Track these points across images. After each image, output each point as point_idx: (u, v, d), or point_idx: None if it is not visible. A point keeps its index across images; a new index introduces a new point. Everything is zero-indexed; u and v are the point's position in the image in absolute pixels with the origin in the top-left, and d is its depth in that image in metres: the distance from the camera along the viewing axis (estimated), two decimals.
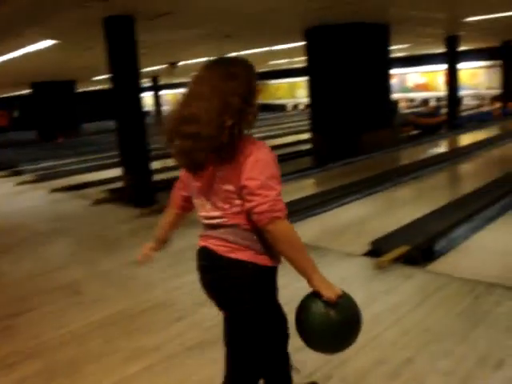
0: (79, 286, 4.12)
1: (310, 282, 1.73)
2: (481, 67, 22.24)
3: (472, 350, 2.77)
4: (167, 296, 3.78)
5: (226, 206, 1.72)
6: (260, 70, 27.73)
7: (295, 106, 28.88)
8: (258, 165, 1.66)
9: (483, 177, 7.10)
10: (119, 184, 7.81)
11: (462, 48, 17.43)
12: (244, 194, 1.64)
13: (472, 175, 8.28)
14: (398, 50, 17.83)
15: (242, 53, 15.46)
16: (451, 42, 15.33)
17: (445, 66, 16.26)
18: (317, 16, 9.14)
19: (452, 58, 15.70)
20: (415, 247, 4.10)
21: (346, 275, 3.88)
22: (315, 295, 1.76)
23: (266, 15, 8.54)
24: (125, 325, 3.37)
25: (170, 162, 10.68)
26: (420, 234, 4.45)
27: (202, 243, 1.88)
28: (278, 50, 15.24)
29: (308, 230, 5.24)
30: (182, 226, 5.83)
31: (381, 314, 3.09)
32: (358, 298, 3.41)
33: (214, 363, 2.83)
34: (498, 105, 19.51)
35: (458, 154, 9.44)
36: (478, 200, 5.58)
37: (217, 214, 1.76)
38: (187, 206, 2.07)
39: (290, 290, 3.69)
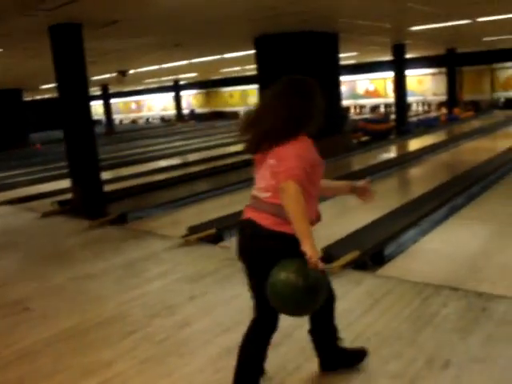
0: (28, 302, 4.01)
1: (301, 243, 2.05)
2: (427, 74, 22.96)
3: (420, 351, 2.85)
4: (119, 309, 3.72)
5: (273, 182, 2.19)
6: (212, 78, 27.79)
7: None
8: (293, 147, 2.19)
9: (431, 181, 7.30)
10: (69, 196, 7.64)
11: (409, 56, 17.95)
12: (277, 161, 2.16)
13: (421, 179, 8.52)
14: (347, 57, 18.20)
15: (194, 61, 15.46)
16: (398, 50, 15.78)
17: (393, 73, 16.71)
18: (266, 25, 9.24)
19: (399, 65, 16.15)
20: (365, 252, 4.18)
21: None
22: (283, 266, 2.11)
23: (215, 24, 8.58)
24: (77, 340, 3.30)
25: (122, 172, 10.59)
26: (370, 239, 4.54)
27: (247, 215, 2.35)
28: (229, 58, 15.29)
29: None
30: (131, 238, 5.76)
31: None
32: None
33: (167, 376, 2.81)
34: (444, 110, 20.18)
35: (406, 159, 9.70)
36: (426, 204, 5.74)
37: (263, 185, 2.26)
38: None
39: (242, 298, 3.71)
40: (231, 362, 2.87)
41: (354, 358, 2.72)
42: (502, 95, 21.49)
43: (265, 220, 2.22)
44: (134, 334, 3.30)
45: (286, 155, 2.16)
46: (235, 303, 3.65)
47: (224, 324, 3.33)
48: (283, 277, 2.09)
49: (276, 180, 2.16)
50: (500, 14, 10.01)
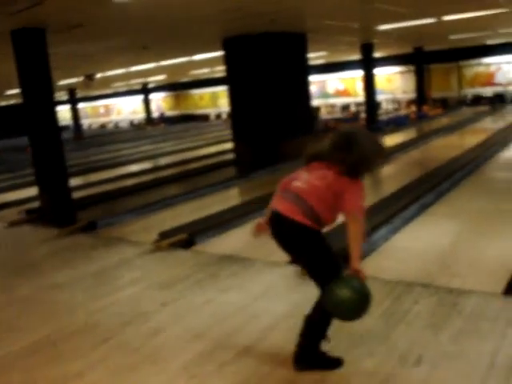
0: None
1: (354, 260, 2.56)
2: (396, 73, 23.27)
3: (393, 348, 2.87)
4: (90, 319, 3.65)
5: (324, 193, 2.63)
6: (181, 80, 27.67)
7: (218, 116, 28.98)
8: (358, 187, 2.63)
9: (402, 178, 7.39)
10: (37, 204, 7.49)
11: (378, 55, 18.17)
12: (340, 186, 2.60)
13: (392, 177, 8.58)
14: (317, 57, 18.31)
15: (162, 63, 15.36)
16: (366, 49, 15.94)
17: (362, 72, 16.87)
18: (234, 26, 9.24)
19: (368, 64, 16.32)
20: (338, 252, 4.18)
21: (271, 284, 3.91)
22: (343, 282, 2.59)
23: (183, 25, 8.53)
24: (47, 352, 3.21)
25: (92, 178, 10.43)
26: (341, 238, 4.54)
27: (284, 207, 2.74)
28: (198, 60, 15.25)
29: (232, 241, 5.25)
30: (101, 246, 5.67)
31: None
32: (284, 305, 3.49)
33: None
34: (413, 108, 20.47)
35: None
36: (397, 201, 5.79)
37: (307, 188, 2.69)
38: None
39: (215, 304, 3.70)
40: (205, 367, 2.85)
41: (329, 365, 2.76)
42: (469, 92, 21.92)
43: (298, 215, 2.64)
44: (106, 342, 3.25)
45: (352, 189, 2.59)
46: (207, 308, 3.63)
47: (197, 330, 3.30)
48: (350, 291, 2.54)
49: (331, 195, 2.61)
50: (464, 12, 10.19)
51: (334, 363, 2.76)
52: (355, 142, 2.63)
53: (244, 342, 3.07)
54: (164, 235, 5.36)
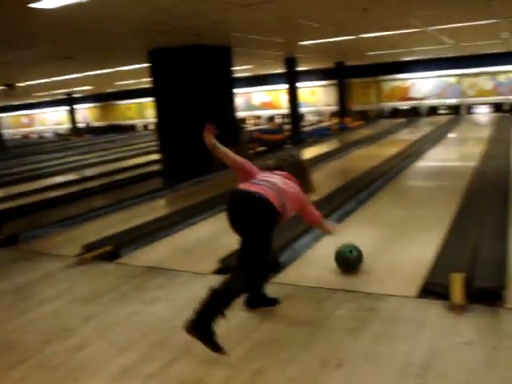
0: None
1: (324, 227, 3.85)
2: (319, 86, 23.94)
3: (315, 353, 2.97)
4: (8, 338, 3.52)
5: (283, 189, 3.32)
6: (108, 91, 27.13)
7: (145, 127, 28.63)
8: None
9: (325, 187, 7.58)
10: None
11: (301, 68, 18.65)
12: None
13: (315, 187, 8.83)
14: (242, 70, 18.55)
15: (88, 73, 15.03)
16: (290, 63, 16.34)
17: (286, 85, 17.26)
18: (159, 39, 9.22)
19: (292, 77, 16.73)
20: None
21: (197, 295, 3.90)
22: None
23: (108, 37, 8.43)
24: None
25: (14, 190, 9.97)
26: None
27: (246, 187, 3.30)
28: (124, 71, 15.04)
29: (158, 252, 5.23)
30: (22, 260, 5.45)
31: (231, 330, 3.18)
32: None
33: None
34: (335, 120, 21.13)
35: None
36: (319, 210, 5.95)
37: (272, 180, 3.34)
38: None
39: (140, 316, 3.68)
40: (130, 381, 2.83)
41: (271, 302, 3.56)
42: (387, 105, 22.95)
43: (270, 195, 3.17)
44: (25, 362, 3.14)
45: (298, 192, 3.44)
46: (132, 321, 3.60)
47: (121, 344, 3.27)
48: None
49: (287, 189, 3.30)
50: (380, 31, 10.71)
51: (274, 301, 3.58)
52: (303, 165, 3.70)
53: (170, 353, 3.08)
54: (88, 248, 5.26)
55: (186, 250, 5.16)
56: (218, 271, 4.38)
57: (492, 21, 10.14)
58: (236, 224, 3.24)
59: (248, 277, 3.19)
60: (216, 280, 4.13)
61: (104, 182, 10.32)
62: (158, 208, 7.85)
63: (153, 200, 8.21)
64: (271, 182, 3.26)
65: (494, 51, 19.21)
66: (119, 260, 5.08)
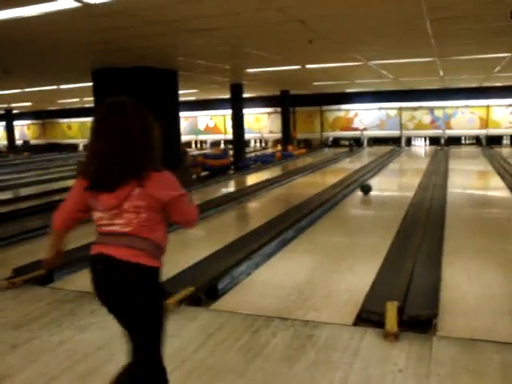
0: None
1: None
2: (264, 113, 24.27)
3: (251, 382, 2.94)
4: None
5: (133, 217, 2.12)
6: (50, 108, 26.50)
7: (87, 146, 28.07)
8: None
9: (266, 214, 7.66)
10: None
11: (247, 95, 18.89)
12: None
13: (256, 213, 8.89)
14: (188, 94, 18.58)
15: (27, 90, 14.65)
16: (236, 89, 16.50)
17: (232, 111, 17.39)
18: (104, 59, 9.13)
19: (237, 103, 16.87)
20: (199, 287, 4.24)
21: None
22: None
23: (50, 54, 8.27)
24: None
25: None
26: (204, 274, 4.61)
27: (101, 250, 2.22)
28: (67, 89, 14.77)
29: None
30: None
31: (166, 358, 3.10)
32: None
33: None
34: (279, 147, 21.43)
35: (243, 194, 10.06)
36: (259, 237, 6.00)
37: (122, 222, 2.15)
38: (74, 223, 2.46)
39: (72, 343, 3.54)
40: None
41: None
42: (330, 135, 23.52)
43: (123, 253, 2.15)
44: None
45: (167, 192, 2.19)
46: (64, 348, 3.46)
47: (50, 373, 3.12)
48: None
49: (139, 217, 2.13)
50: (324, 63, 11.03)
51: None
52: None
53: (101, 382, 2.97)
54: (19, 271, 5.04)
55: None
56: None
57: (429, 59, 10.64)
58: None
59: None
60: None
61: (41, 203, 9.98)
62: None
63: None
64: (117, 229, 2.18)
65: (432, 87, 20.17)
66: (53, 284, 4.90)
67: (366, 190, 9.44)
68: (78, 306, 4.23)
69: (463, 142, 21.84)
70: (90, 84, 10.85)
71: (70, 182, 13.09)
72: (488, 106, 20.89)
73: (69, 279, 5.00)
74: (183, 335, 3.54)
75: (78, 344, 3.53)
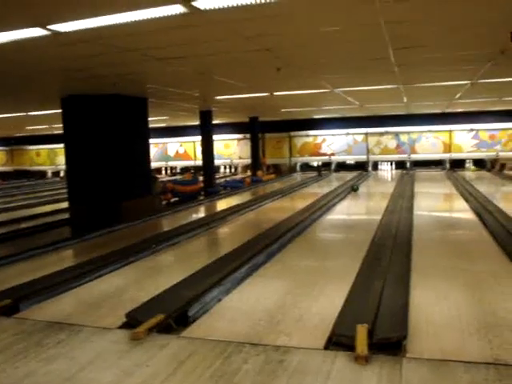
0: None
1: None
2: (234, 139, 24.42)
3: None
4: None
5: None
6: (18, 135, 26.13)
7: (56, 174, 27.71)
8: None
9: (237, 240, 7.65)
10: None
11: (216, 121, 19.02)
12: None
13: (226, 239, 8.88)
14: (158, 120, 18.61)
15: None
16: (205, 115, 16.60)
17: (201, 137, 17.44)
18: (74, 86, 9.10)
19: (206, 130, 16.95)
20: (169, 315, 4.20)
21: (101, 351, 3.76)
22: None
23: (19, 81, 8.21)
24: None
25: None
26: (175, 300, 4.58)
27: None
28: (36, 116, 14.63)
29: (62, 306, 4.97)
30: None
31: None
32: (113, 373, 3.37)
33: None
34: (248, 173, 21.53)
35: (214, 220, 10.04)
36: (230, 263, 5.98)
37: None
38: None
39: (38, 376, 3.45)
40: None
41: None
42: (299, 160, 23.78)
43: None
44: None
45: None
46: (28, 382, 3.35)
47: None
48: None
49: None
50: (292, 89, 11.21)
51: None
52: None
53: None
54: None
55: (92, 304, 4.96)
56: (124, 326, 4.23)
57: (393, 86, 10.94)
58: None
59: None
60: (122, 335, 4.02)
61: (7, 231, 9.78)
62: (64, 259, 7.50)
63: (59, 250, 7.85)
64: None
65: (397, 113, 20.68)
66: (19, 314, 4.77)
67: (356, 189, 13.93)
68: (44, 336, 4.13)
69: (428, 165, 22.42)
70: (60, 111, 10.78)
71: (37, 210, 12.90)
72: (451, 131, 21.51)
73: (35, 309, 4.89)
74: (153, 364, 3.49)
75: (44, 376, 3.44)
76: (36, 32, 5.00)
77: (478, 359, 3.40)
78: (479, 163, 21.78)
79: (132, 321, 4.20)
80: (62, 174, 26.58)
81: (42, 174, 28.04)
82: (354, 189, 14.31)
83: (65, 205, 11.73)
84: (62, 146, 12.61)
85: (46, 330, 4.28)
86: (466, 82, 10.49)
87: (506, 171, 20.22)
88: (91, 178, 10.35)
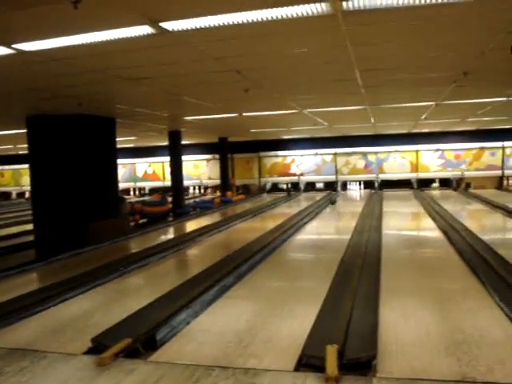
0: None
1: None
2: (203, 160, 24.38)
3: None
4: None
5: None
6: None
7: (21, 194, 27.16)
8: None
9: (205, 261, 7.58)
10: None
11: (185, 142, 18.98)
12: None
13: (195, 261, 8.78)
14: (126, 141, 18.46)
15: None
16: (174, 136, 16.55)
17: (170, 158, 17.37)
18: (38, 105, 8.97)
19: (175, 150, 16.89)
20: (137, 339, 4.10)
21: (65, 378, 3.64)
22: None
23: None
24: None
25: None
26: (142, 324, 4.48)
27: None
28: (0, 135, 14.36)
29: (25, 331, 4.81)
30: None
31: None
32: None
33: None
34: (218, 193, 21.48)
35: (182, 241, 9.95)
36: (198, 285, 5.91)
37: None
38: None
39: None
40: None
41: None
42: (268, 180, 23.85)
43: None
44: None
45: None
46: None
47: None
48: None
49: None
50: (261, 110, 11.29)
51: None
52: None
53: None
54: None
55: (56, 329, 4.81)
56: (90, 351, 4.11)
57: (360, 107, 11.11)
58: None
59: None
60: (87, 361, 3.90)
61: None
62: (27, 282, 7.29)
63: (23, 274, 7.64)
64: None
65: (365, 133, 21.02)
66: None
67: (333, 202, 15.31)
68: (5, 364, 3.97)
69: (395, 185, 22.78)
70: (25, 131, 10.59)
71: (1, 232, 12.56)
72: (417, 151, 21.93)
73: None
74: None
75: None
76: (0, 51, 4.92)
77: (448, 377, 3.41)
78: (445, 182, 22.22)
79: (98, 346, 4.09)
80: (27, 194, 26.06)
81: (6, 195, 27.44)
82: (331, 201, 15.36)
83: (30, 227, 11.46)
84: (27, 166, 12.37)
85: (7, 357, 4.12)
86: (430, 103, 10.73)
87: (471, 190, 20.69)
88: (57, 200, 10.15)
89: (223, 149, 21.32)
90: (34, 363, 3.96)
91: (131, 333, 4.22)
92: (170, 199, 16.91)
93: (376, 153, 22.31)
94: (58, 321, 5.07)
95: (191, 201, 19.46)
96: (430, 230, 10.70)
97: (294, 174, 23.35)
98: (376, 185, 22.32)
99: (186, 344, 4.29)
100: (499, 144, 21.15)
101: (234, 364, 3.79)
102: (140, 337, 4.16)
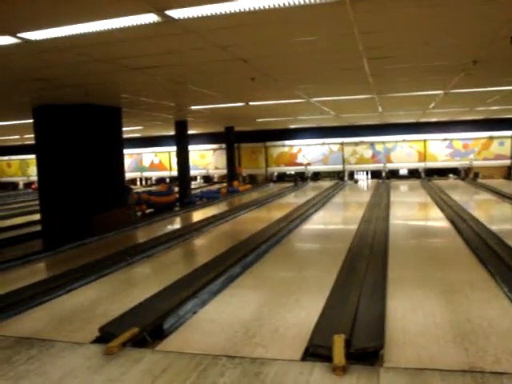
0: None
1: None
2: (209, 149, 24.36)
3: None
4: None
5: None
6: None
7: (28, 185, 27.28)
8: None
9: (213, 251, 7.58)
10: None
11: (192, 131, 18.94)
12: None
13: (202, 250, 8.79)
14: (132, 130, 18.45)
15: None
16: (180, 126, 16.53)
17: (176, 148, 17.36)
18: (45, 96, 8.96)
19: (182, 140, 16.87)
20: (144, 328, 4.11)
21: (73, 366, 3.66)
22: None
23: None
24: None
25: None
26: (149, 313, 4.49)
27: None
28: (7, 126, 14.38)
29: (34, 320, 4.84)
30: None
31: None
32: None
33: None
34: (224, 183, 21.46)
35: (190, 231, 9.96)
36: (205, 275, 5.92)
37: None
38: None
39: None
40: None
41: None
42: (275, 170, 23.82)
43: None
44: None
45: None
46: None
47: None
48: None
49: None
50: (267, 99, 11.24)
51: None
52: None
53: None
54: None
55: (64, 318, 4.83)
56: (98, 340, 4.13)
57: (368, 96, 11.03)
58: None
59: None
60: (94, 350, 3.92)
61: None
62: (35, 272, 7.33)
63: (30, 263, 7.68)
64: None
65: (372, 123, 20.90)
66: None
67: (356, 181, 16.06)
68: (14, 353, 4.00)
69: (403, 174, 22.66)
70: (31, 121, 10.60)
71: (8, 222, 12.63)
72: (425, 140, 21.80)
73: (5, 325, 4.75)
74: (127, 379, 3.40)
75: None
76: (6, 40, 4.90)
77: (454, 367, 3.40)
78: (453, 172, 22.10)
79: (105, 335, 4.10)
80: (34, 185, 26.17)
81: (13, 185, 27.57)
82: (355, 181, 17.07)
83: (37, 217, 11.50)
84: (33, 156, 12.40)
85: (16, 345, 4.15)
86: (439, 91, 10.64)
87: (479, 180, 20.56)
88: (64, 190, 10.18)
89: (230, 138, 21.27)
90: (42, 352, 3.99)
91: (138, 322, 4.23)
92: (176, 189, 16.92)
93: (383, 142, 22.20)
94: (66, 310, 5.09)
95: (198, 191, 19.46)
96: (437, 219, 10.65)
97: (301, 164, 23.29)
98: (383, 174, 22.23)
99: (193, 333, 4.30)
100: (508, 133, 20.97)
101: (241, 353, 3.79)
102: (147, 326, 4.17)
